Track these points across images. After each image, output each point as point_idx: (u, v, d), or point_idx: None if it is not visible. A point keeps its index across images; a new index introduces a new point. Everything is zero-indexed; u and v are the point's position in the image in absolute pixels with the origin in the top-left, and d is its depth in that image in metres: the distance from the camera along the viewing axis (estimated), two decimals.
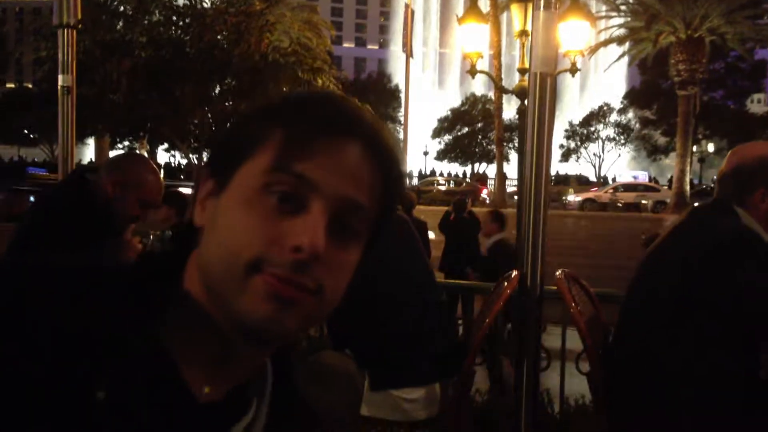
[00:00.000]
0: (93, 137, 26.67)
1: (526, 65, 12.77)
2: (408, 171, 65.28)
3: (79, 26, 4.53)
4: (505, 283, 3.16)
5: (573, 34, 13.62)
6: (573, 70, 14.59)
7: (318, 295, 0.76)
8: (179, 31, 16.07)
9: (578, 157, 63.66)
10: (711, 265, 2.31)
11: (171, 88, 15.38)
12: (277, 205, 0.76)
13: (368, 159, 0.80)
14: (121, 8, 17.04)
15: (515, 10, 13.18)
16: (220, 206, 0.79)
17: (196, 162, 18.80)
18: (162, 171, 60.60)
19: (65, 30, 4.65)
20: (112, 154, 49.22)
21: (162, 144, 31.51)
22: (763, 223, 2.44)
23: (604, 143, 58.25)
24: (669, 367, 2.35)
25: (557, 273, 3.04)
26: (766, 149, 2.53)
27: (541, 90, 2.82)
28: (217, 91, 15.66)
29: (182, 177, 36.87)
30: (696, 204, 2.70)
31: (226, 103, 16.28)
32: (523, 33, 12.68)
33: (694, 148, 58.02)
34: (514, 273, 3.12)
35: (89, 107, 15.18)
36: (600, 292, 3.49)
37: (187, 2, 17.49)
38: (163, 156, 57.76)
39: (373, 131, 0.81)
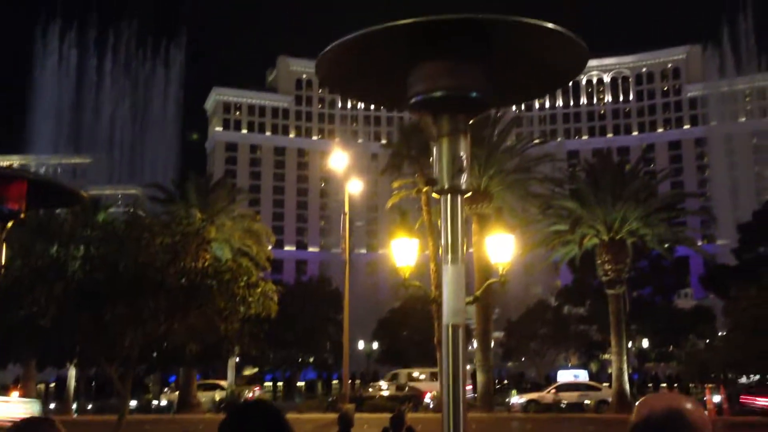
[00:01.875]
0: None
1: None
2: (351, 374, 64.10)
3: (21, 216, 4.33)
4: None
5: (498, 247, 14.41)
6: (503, 281, 15.19)
7: None
8: (114, 251, 16.29)
9: (519, 356, 63.93)
10: None
11: (102, 309, 15.31)
12: None
13: None
14: (59, 228, 17.25)
15: (440, 223, 13.92)
16: None
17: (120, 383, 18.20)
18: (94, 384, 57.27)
19: None
20: (38, 375, 47.12)
21: (91, 367, 30.45)
22: None
23: (542, 341, 58.89)
24: None
25: None
26: (674, 402, 2.67)
27: (454, 341, 2.93)
28: (149, 310, 15.58)
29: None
30: None
31: (158, 323, 16.16)
32: None
33: (629, 345, 59.17)
34: None
35: (15, 334, 14.88)
36: None
37: (124, 224, 17.92)
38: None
39: None
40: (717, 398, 34.85)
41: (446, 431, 2.76)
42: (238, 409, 2.68)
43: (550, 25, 2.64)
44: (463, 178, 2.88)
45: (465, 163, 2.85)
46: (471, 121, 2.99)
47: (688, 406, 2.68)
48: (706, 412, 2.68)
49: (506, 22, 2.65)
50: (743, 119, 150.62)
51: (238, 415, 2.70)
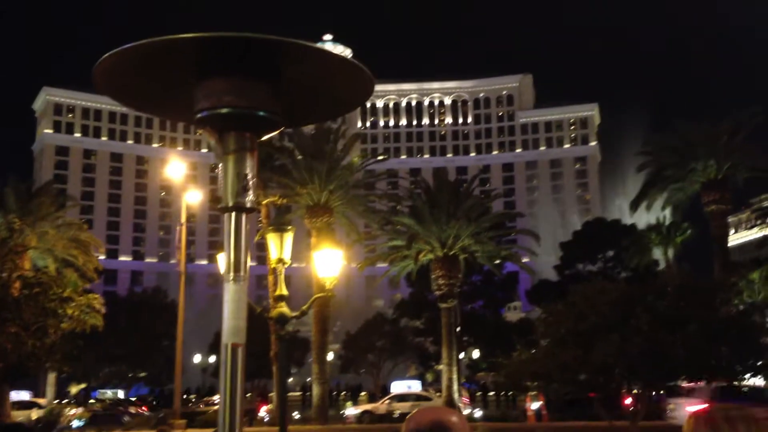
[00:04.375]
0: None
1: (284, 291, 13.23)
2: (185, 389, 61.96)
3: None
4: None
5: (326, 262, 14.53)
6: (330, 294, 15.36)
7: None
8: None
9: (357, 368, 64.68)
10: None
11: None
12: None
13: None
14: None
15: (272, 239, 13.77)
16: None
17: None
18: None
19: None
20: None
21: None
22: None
23: (380, 353, 60.00)
24: None
25: None
26: (438, 415, 2.81)
27: (233, 360, 2.91)
28: None
29: None
30: None
31: None
32: (280, 261, 13.25)
33: (462, 355, 61.62)
34: None
35: None
36: None
37: None
38: None
39: None
40: (536, 405, 37.15)
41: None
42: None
43: (337, 53, 2.73)
44: (248, 196, 2.88)
45: (250, 181, 2.86)
46: (262, 139, 3.01)
47: (453, 419, 2.86)
48: (467, 424, 2.86)
49: (294, 45, 2.70)
50: (568, 145, 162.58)
51: None
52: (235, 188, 2.79)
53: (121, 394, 66.65)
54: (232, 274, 2.88)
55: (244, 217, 2.86)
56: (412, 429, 2.76)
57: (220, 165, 2.91)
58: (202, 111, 2.77)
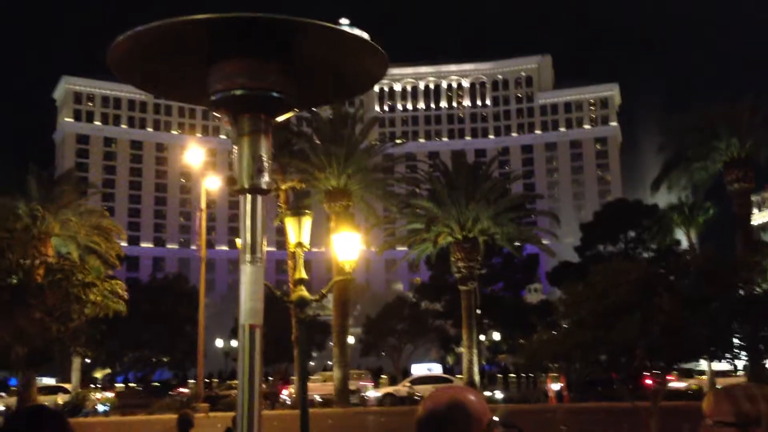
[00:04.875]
0: None
1: (303, 275, 13.27)
2: (208, 373, 62.68)
3: None
4: None
5: (345, 245, 14.57)
6: (349, 278, 15.39)
7: None
8: None
9: (378, 351, 64.98)
10: None
11: None
12: None
13: None
14: None
15: (290, 223, 13.79)
16: None
17: None
18: None
19: None
20: None
21: None
22: None
23: (400, 336, 60.22)
24: None
25: None
26: (456, 394, 2.81)
27: (251, 341, 2.92)
28: None
29: None
30: None
31: None
32: (299, 245, 13.27)
33: (482, 337, 61.66)
34: None
35: None
36: None
37: None
38: None
39: None
40: (556, 386, 37.16)
41: (241, 428, 2.78)
42: (17, 414, 2.56)
43: (351, 32, 2.71)
44: (264, 177, 2.88)
45: (266, 163, 2.87)
46: (277, 120, 3.00)
47: (471, 397, 2.86)
48: (485, 403, 2.86)
49: (307, 25, 2.69)
50: (588, 126, 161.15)
51: (16, 421, 2.57)
52: (251, 170, 2.80)
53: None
54: (248, 255, 2.88)
55: (260, 198, 2.87)
56: (430, 408, 2.76)
57: (235, 147, 2.92)
58: (216, 93, 2.77)
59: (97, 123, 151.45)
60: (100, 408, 39.64)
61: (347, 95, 3.24)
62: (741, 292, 20.80)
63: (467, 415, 2.73)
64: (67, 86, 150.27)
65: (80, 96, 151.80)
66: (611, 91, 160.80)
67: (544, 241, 47.91)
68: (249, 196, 2.82)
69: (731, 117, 40.94)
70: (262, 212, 2.92)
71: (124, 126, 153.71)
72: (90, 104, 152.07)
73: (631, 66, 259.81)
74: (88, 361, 56.57)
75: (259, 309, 2.84)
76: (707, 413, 2.87)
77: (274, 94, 2.78)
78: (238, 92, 2.73)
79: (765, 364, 28.41)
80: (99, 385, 63.51)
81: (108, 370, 69.95)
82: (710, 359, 21.99)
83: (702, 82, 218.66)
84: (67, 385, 48.53)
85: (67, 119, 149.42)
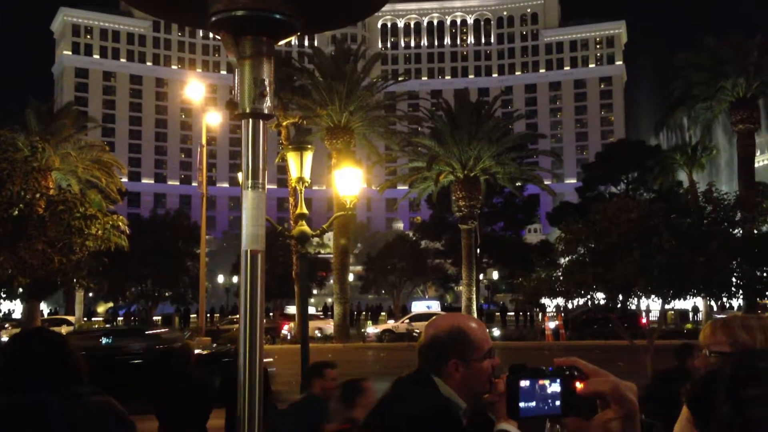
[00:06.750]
0: None
1: (304, 210, 13.27)
2: (210, 308, 63.55)
3: None
4: None
5: (346, 181, 14.53)
6: (350, 213, 15.40)
7: None
8: None
9: (377, 289, 65.69)
10: None
11: None
12: None
13: None
14: None
15: (291, 157, 13.71)
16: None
17: None
18: None
19: None
20: None
21: None
22: (459, 390, 2.68)
23: (400, 274, 60.75)
24: None
25: None
26: (457, 320, 2.82)
27: (252, 267, 2.88)
28: None
29: None
30: (399, 376, 2.90)
31: None
32: (300, 179, 13.22)
33: (481, 276, 62.21)
34: None
35: None
36: None
37: None
38: None
39: None
40: (553, 324, 37.70)
41: (243, 360, 2.78)
42: (20, 335, 2.58)
43: None
44: (266, 102, 2.83)
45: (268, 87, 2.81)
46: (279, 43, 2.92)
47: (472, 324, 2.86)
48: (486, 330, 2.87)
49: None
50: (593, 65, 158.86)
51: (18, 342, 2.60)
52: (252, 94, 2.74)
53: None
54: (250, 181, 2.84)
55: (261, 123, 2.82)
56: (431, 335, 2.77)
57: (237, 71, 2.85)
58: (217, 13, 2.69)
59: (96, 56, 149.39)
60: (104, 341, 40.23)
61: (352, 19, 3.16)
62: (741, 231, 20.88)
63: (469, 341, 2.74)
64: (65, 18, 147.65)
65: (78, 28, 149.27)
66: (618, 29, 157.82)
67: (546, 182, 47.83)
68: (251, 121, 2.78)
69: (739, 55, 40.31)
70: (263, 137, 2.88)
71: (123, 60, 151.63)
72: (88, 37, 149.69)
73: (637, 3, 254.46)
74: (91, 295, 57.22)
75: (260, 234, 2.82)
76: (704, 344, 2.88)
77: (277, 16, 2.70)
78: (240, 13, 2.65)
79: (762, 302, 28.73)
80: (102, 319, 64.45)
81: (111, 304, 70.78)
82: (708, 298, 22.19)
83: (712, 21, 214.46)
84: (70, 317, 49.24)
85: (65, 52, 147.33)
